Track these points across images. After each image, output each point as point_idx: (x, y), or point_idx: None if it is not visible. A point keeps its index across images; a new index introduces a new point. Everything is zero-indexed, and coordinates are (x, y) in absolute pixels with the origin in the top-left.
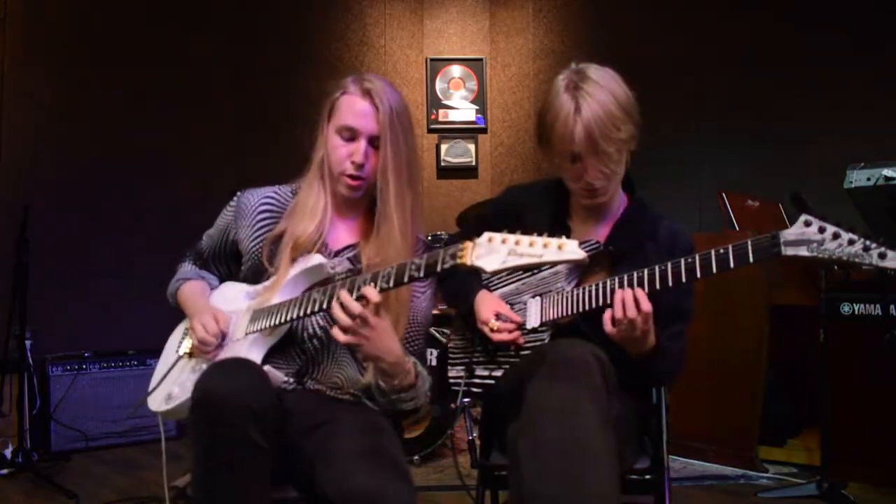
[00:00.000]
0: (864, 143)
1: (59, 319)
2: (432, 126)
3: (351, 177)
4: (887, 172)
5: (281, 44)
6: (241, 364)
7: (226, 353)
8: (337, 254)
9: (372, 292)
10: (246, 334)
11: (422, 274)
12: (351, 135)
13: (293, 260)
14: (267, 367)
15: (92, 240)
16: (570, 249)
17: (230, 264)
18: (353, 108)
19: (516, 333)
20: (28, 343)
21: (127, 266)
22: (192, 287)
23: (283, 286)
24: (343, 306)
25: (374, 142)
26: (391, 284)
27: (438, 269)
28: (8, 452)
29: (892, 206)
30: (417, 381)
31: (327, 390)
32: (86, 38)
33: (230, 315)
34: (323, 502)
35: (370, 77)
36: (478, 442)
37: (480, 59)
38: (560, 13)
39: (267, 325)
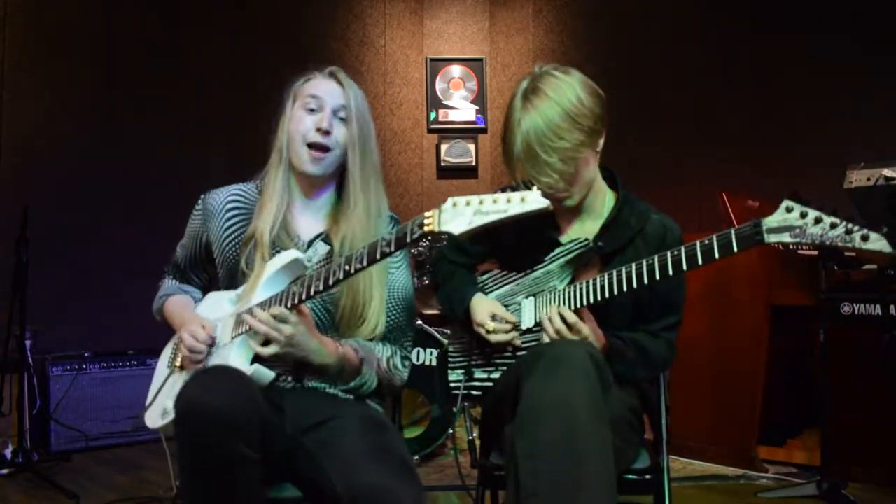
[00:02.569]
0: (864, 143)
1: (59, 319)
2: (432, 126)
3: (315, 146)
4: (887, 172)
5: (281, 44)
6: (222, 373)
7: (214, 360)
8: (310, 244)
9: (276, 309)
10: (232, 338)
11: (392, 248)
12: (316, 104)
13: (268, 256)
14: (254, 367)
15: (92, 240)
16: (533, 199)
17: (209, 269)
18: (319, 86)
19: (513, 333)
20: (28, 343)
21: (127, 266)
22: (175, 301)
23: (262, 285)
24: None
25: (338, 114)
26: (364, 264)
27: (408, 239)
28: (8, 452)
29: (893, 206)
30: (362, 367)
31: (327, 386)
32: (85, 38)
33: (216, 323)
34: (328, 501)
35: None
36: (478, 442)
37: (480, 59)
38: (560, 13)
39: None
